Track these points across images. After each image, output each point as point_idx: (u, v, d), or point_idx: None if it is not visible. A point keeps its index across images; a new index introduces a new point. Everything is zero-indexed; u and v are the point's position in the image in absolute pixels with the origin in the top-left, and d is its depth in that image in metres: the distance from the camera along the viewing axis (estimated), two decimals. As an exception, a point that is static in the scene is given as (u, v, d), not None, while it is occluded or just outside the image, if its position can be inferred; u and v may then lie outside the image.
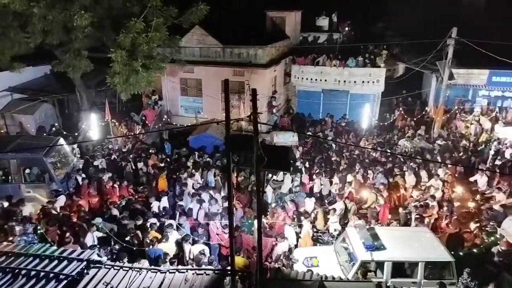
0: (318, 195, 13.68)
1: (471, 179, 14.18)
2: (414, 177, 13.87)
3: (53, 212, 11.16)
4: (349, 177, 13.86)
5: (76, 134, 17.48)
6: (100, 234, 10.22)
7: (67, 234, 9.70)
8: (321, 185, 13.80)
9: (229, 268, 7.09)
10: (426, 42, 17.88)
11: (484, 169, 14.43)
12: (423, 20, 24.34)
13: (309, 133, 19.27)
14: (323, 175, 13.99)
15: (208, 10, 15.53)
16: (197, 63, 20.48)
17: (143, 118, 20.52)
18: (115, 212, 11.42)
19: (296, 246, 10.98)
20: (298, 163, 15.12)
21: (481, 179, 13.92)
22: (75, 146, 15.63)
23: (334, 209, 11.85)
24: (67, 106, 22.52)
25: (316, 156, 16.25)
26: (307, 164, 15.05)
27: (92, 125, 17.17)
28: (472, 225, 11.41)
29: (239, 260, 9.24)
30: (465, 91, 21.79)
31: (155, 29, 14.40)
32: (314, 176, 14.09)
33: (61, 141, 14.42)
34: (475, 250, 10.03)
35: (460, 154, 16.17)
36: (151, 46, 14.72)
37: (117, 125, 18.63)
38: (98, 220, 10.58)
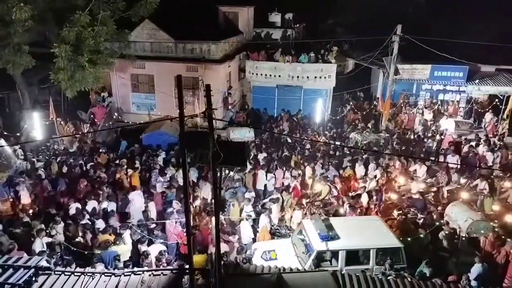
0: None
1: (411, 169, 15.00)
2: (364, 168, 14.46)
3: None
4: (300, 171, 14.13)
5: (18, 134, 16.44)
6: (49, 240, 9.70)
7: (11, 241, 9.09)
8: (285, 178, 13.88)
9: (187, 266, 7.01)
10: (373, 38, 18.66)
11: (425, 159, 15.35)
12: (370, 17, 25.37)
13: (266, 128, 19.47)
14: (281, 169, 14.15)
15: (158, 4, 15.13)
16: (148, 58, 19.92)
17: (92, 116, 19.65)
18: (26, 219, 10.67)
19: (254, 240, 11.07)
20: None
21: (420, 169, 14.75)
22: (16, 147, 14.68)
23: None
24: (7, 104, 21.15)
25: (273, 151, 16.41)
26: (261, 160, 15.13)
27: (36, 125, 16.22)
28: (395, 212, 12.19)
29: (200, 258, 9.16)
30: (409, 86, 23.01)
31: (102, 23, 13.85)
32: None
33: (2, 142, 13.55)
34: (421, 236, 10.66)
35: (399, 146, 17.06)
36: (98, 40, 14.16)
37: (63, 124, 17.70)
38: None
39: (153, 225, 10.74)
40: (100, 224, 10.48)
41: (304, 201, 12.78)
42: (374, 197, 12.41)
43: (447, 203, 12.46)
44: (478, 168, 14.52)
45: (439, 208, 12.58)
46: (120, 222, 10.76)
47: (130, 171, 13.56)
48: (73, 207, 11.18)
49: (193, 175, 13.53)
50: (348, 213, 11.76)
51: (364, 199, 12.35)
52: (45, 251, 8.90)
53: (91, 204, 11.37)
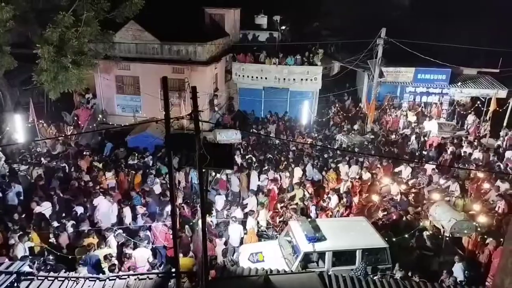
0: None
1: (396, 169, 15.19)
2: (348, 168, 14.54)
3: None
4: (287, 173, 14.12)
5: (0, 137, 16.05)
6: (32, 244, 9.49)
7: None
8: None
9: (173, 270, 6.94)
10: (358, 41, 18.89)
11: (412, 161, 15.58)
12: (356, 20, 25.67)
13: (254, 130, 19.46)
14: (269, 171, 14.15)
15: (143, 5, 15.01)
16: (134, 59, 19.73)
17: (76, 118, 19.34)
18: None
19: (241, 242, 11.04)
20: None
21: (405, 170, 14.94)
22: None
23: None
24: (-12, 107, 20.55)
25: (260, 154, 16.38)
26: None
27: (18, 127, 15.85)
28: (380, 213, 12.38)
29: (187, 261, 9.08)
30: (393, 88, 23.35)
31: (86, 24, 13.69)
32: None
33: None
34: (406, 236, 10.78)
35: (384, 147, 17.27)
36: (82, 41, 13.99)
37: (46, 126, 17.36)
38: None
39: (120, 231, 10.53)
40: (69, 228, 10.23)
41: (278, 205, 12.86)
42: (344, 199, 12.51)
43: (427, 203, 12.65)
44: (456, 169, 14.77)
45: (419, 208, 12.76)
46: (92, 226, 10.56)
47: (108, 174, 13.34)
48: (36, 211, 10.85)
49: (193, 177, 13.42)
50: (314, 215, 11.87)
51: (334, 201, 12.46)
52: (27, 256, 8.70)
53: (47, 206, 11.07)
